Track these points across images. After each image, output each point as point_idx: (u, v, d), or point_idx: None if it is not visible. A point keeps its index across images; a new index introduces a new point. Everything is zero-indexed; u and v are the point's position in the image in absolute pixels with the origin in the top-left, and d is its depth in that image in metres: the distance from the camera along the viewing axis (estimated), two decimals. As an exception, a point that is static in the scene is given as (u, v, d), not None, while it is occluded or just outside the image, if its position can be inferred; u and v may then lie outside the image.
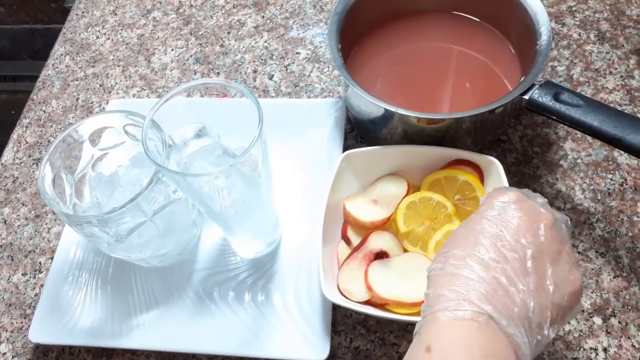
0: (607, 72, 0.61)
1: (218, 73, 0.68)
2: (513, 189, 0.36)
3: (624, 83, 0.60)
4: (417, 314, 0.44)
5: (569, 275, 0.33)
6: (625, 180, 0.54)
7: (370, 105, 0.50)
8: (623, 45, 0.63)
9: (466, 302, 0.31)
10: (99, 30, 0.76)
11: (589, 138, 0.57)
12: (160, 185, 0.44)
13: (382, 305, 0.46)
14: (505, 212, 0.34)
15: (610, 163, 0.55)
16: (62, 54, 0.75)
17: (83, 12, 0.79)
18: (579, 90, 0.60)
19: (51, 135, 0.67)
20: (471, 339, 0.30)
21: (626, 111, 0.57)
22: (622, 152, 0.55)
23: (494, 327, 0.30)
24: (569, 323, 0.47)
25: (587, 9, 0.67)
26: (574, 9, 0.67)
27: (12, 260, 0.58)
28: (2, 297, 0.56)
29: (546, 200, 0.37)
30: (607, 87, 0.60)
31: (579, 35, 0.64)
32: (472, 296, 0.31)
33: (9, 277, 0.57)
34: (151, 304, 0.51)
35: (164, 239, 0.48)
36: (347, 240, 0.50)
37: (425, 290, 0.34)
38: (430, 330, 0.31)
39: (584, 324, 0.47)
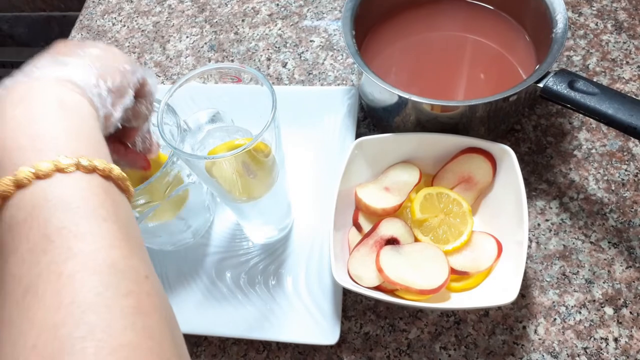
0: (624, 62, 0.60)
1: (232, 60, 0.69)
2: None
3: (641, 73, 0.59)
4: (426, 300, 0.45)
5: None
6: (640, 171, 0.53)
7: (383, 93, 0.50)
8: (641, 35, 0.62)
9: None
10: (115, 18, 0.77)
11: (604, 128, 0.56)
12: (175, 169, 0.44)
13: (391, 292, 0.46)
14: None
15: (625, 153, 0.55)
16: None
17: (99, 0, 0.80)
18: (595, 80, 0.59)
19: (67, 121, 0.68)
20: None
21: (642, 101, 0.57)
22: (637, 142, 0.55)
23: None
24: (580, 312, 0.47)
25: (604, -2, 0.66)
26: (591, -2, 0.66)
27: (29, 242, 0.59)
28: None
29: None
30: (624, 77, 0.59)
31: (596, 24, 0.64)
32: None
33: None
34: (164, 287, 0.52)
35: (178, 222, 0.49)
36: (358, 227, 0.50)
37: None
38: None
39: (595, 314, 0.47)
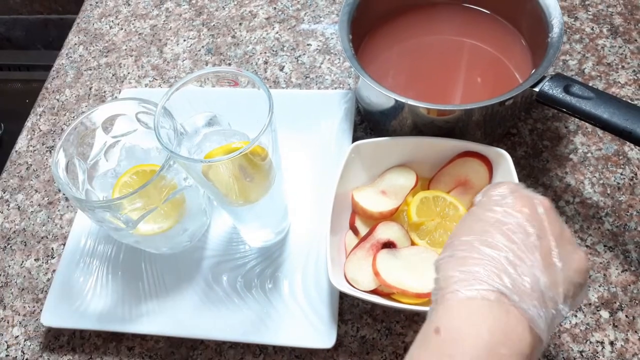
0: (620, 66, 0.61)
1: (229, 64, 0.69)
2: (506, 182, 0.38)
3: (636, 77, 0.59)
4: (422, 304, 0.45)
5: (573, 254, 0.34)
6: (636, 174, 0.54)
7: (380, 97, 0.50)
8: (636, 40, 0.62)
9: (475, 281, 0.31)
10: (112, 21, 0.77)
11: (600, 132, 0.57)
12: (171, 172, 0.44)
13: (388, 295, 0.46)
14: (505, 202, 0.35)
15: (620, 157, 0.55)
16: (75, 44, 0.76)
17: (97, 3, 0.80)
18: (590, 85, 0.59)
19: (64, 124, 0.68)
20: (480, 318, 0.30)
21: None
22: (632, 146, 0.55)
23: (506, 304, 0.30)
24: (575, 316, 0.47)
25: (600, 2, 0.66)
26: (587, 2, 0.66)
27: (25, 245, 0.59)
28: (15, 282, 0.57)
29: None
30: (619, 82, 0.60)
31: (592, 29, 0.64)
32: (481, 275, 0.31)
33: (22, 262, 0.58)
34: (161, 290, 0.52)
35: (175, 226, 0.49)
36: (355, 230, 0.50)
37: (435, 276, 0.34)
38: (439, 311, 0.32)
39: (590, 317, 0.47)
